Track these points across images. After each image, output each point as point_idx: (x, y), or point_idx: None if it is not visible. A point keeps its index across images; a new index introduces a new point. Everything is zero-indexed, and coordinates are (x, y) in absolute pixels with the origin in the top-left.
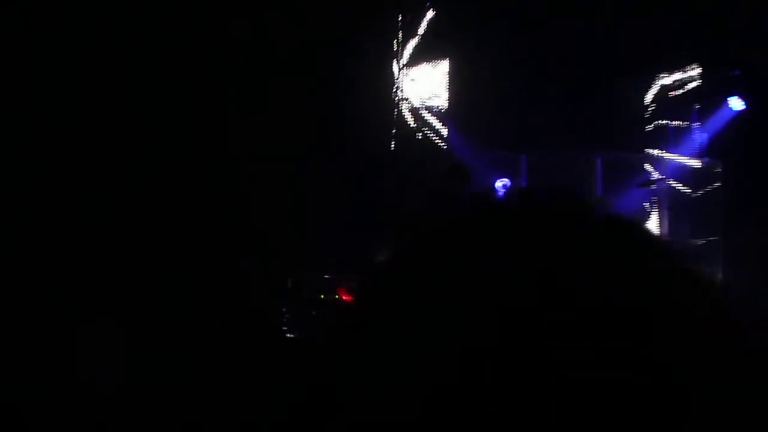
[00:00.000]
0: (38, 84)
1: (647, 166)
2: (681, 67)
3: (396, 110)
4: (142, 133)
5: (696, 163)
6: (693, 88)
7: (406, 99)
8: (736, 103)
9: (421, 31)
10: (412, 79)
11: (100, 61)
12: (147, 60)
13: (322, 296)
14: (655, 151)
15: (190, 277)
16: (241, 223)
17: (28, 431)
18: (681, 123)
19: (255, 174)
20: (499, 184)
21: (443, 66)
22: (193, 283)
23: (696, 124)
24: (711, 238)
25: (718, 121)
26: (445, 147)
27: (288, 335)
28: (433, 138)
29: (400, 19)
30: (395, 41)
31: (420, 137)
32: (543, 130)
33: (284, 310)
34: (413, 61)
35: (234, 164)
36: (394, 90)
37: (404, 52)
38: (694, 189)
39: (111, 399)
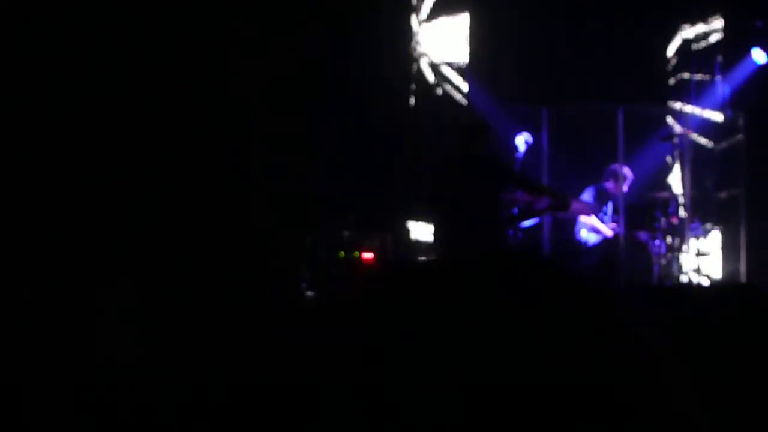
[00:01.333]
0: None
1: (669, 120)
2: (703, 19)
3: (415, 65)
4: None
5: (718, 116)
6: (716, 41)
7: (425, 54)
8: (759, 56)
9: None
10: (432, 34)
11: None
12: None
13: (341, 254)
14: (678, 105)
15: (204, 236)
16: (256, 179)
17: (41, 402)
18: (703, 76)
19: (267, 129)
20: (519, 138)
21: (463, 19)
22: (207, 243)
23: (719, 77)
24: (733, 191)
25: (740, 73)
26: (465, 102)
27: (307, 293)
28: (453, 93)
29: None
30: None
31: (440, 93)
32: (565, 82)
33: (303, 268)
34: (432, 14)
35: (245, 117)
36: (413, 45)
37: (423, 5)
38: (717, 142)
39: (129, 369)
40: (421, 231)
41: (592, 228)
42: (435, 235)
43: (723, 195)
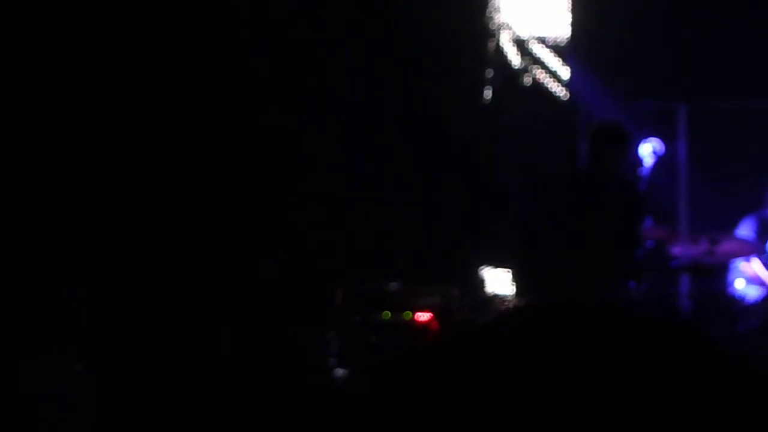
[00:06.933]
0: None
1: None
2: None
3: (492, 43)
4: None
5: None
6: None
7: (507, 26)
8: None
9: None
10: None
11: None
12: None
13: (387, 315)
14: None
15: (190, 287)
16: (269, 206)
17: None
18: None
19: (295, 138)
20: (645, 148)
21: None
22: (195, 296)
23: None
24: None
25: None
26: (566, 96)
27: (336, 372)
28: (549, 84)
29: None
30: None
31: (528, 82)
32: (711, 69)
33: (332, 335)
34: None
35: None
36: (489, 13)
37: None
38: None
39: None
40: (502, 281)
41: (753, 277)
42: (526, 286)
43: None
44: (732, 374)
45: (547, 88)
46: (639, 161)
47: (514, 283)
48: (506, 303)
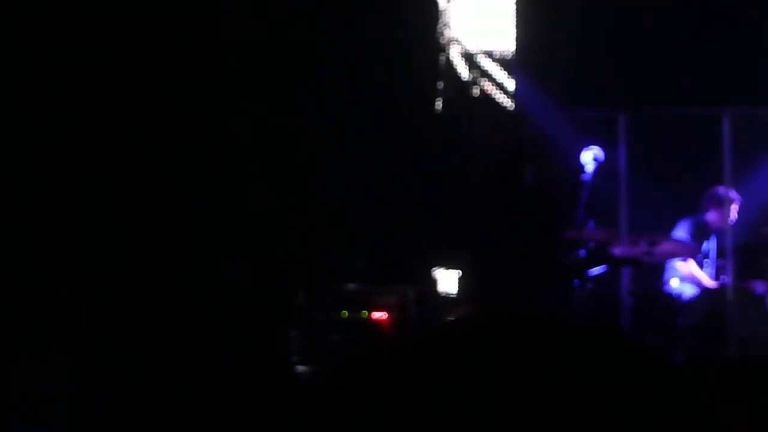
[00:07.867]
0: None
1: None
2: None
3: (443, 56)
4: None
5: None
6: None
7: (457, 40)
8: None
9: None
10: (466, 13)
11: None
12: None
13: (345, 314)
14: None
15: (163, 287)
16: (235, 210)
17: None
18: None
19: (255, 141)
20: (587, 155)
21: None
22: (166, 295)
23: None
24: None
25: None
26: (512, 107)
27: (298, 368)
28: (496, 95)
29: None
30: None
31: (476, 93)
32: (649, 80)
33: (294, 333)
34: None
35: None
36: (440, 28)
37: None
38: None
39: None
40: (452, 282)
41: (688, 276)
42: (468, 286)
43: None
44: (653, 376)
45: (494, 99)
46: (581, 167)
47: (463, 285)
48: (460, 310)
